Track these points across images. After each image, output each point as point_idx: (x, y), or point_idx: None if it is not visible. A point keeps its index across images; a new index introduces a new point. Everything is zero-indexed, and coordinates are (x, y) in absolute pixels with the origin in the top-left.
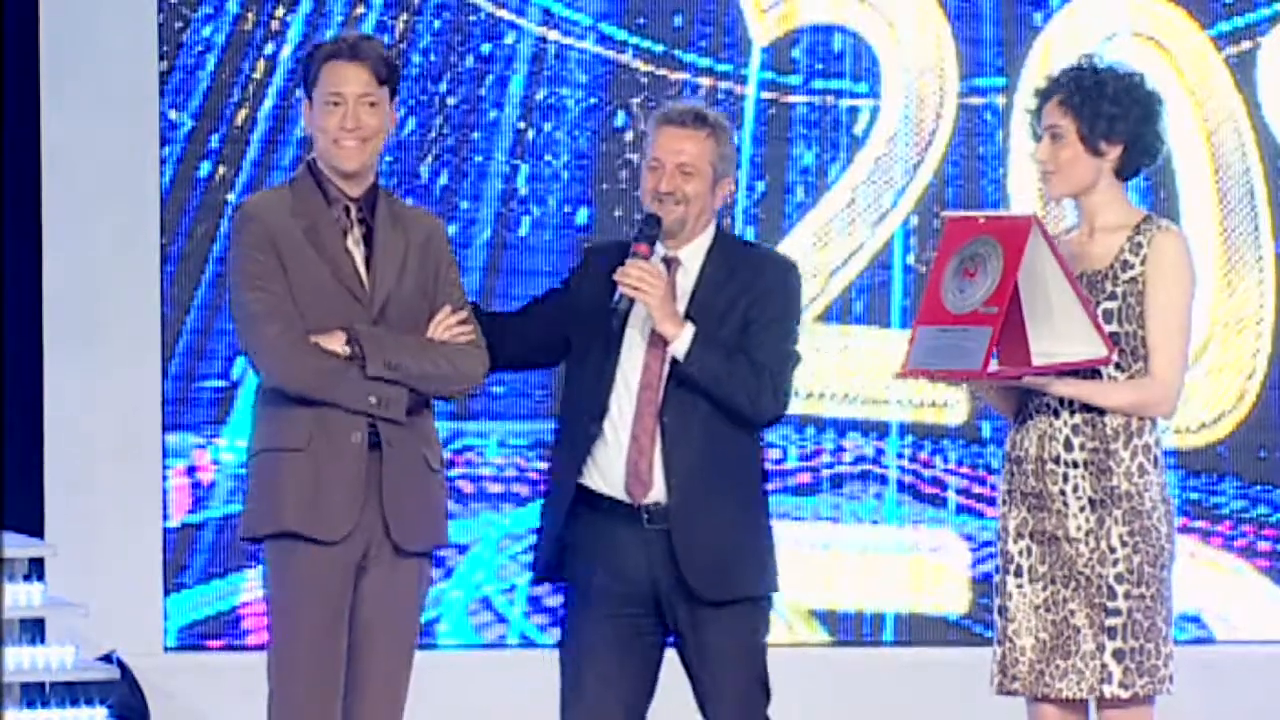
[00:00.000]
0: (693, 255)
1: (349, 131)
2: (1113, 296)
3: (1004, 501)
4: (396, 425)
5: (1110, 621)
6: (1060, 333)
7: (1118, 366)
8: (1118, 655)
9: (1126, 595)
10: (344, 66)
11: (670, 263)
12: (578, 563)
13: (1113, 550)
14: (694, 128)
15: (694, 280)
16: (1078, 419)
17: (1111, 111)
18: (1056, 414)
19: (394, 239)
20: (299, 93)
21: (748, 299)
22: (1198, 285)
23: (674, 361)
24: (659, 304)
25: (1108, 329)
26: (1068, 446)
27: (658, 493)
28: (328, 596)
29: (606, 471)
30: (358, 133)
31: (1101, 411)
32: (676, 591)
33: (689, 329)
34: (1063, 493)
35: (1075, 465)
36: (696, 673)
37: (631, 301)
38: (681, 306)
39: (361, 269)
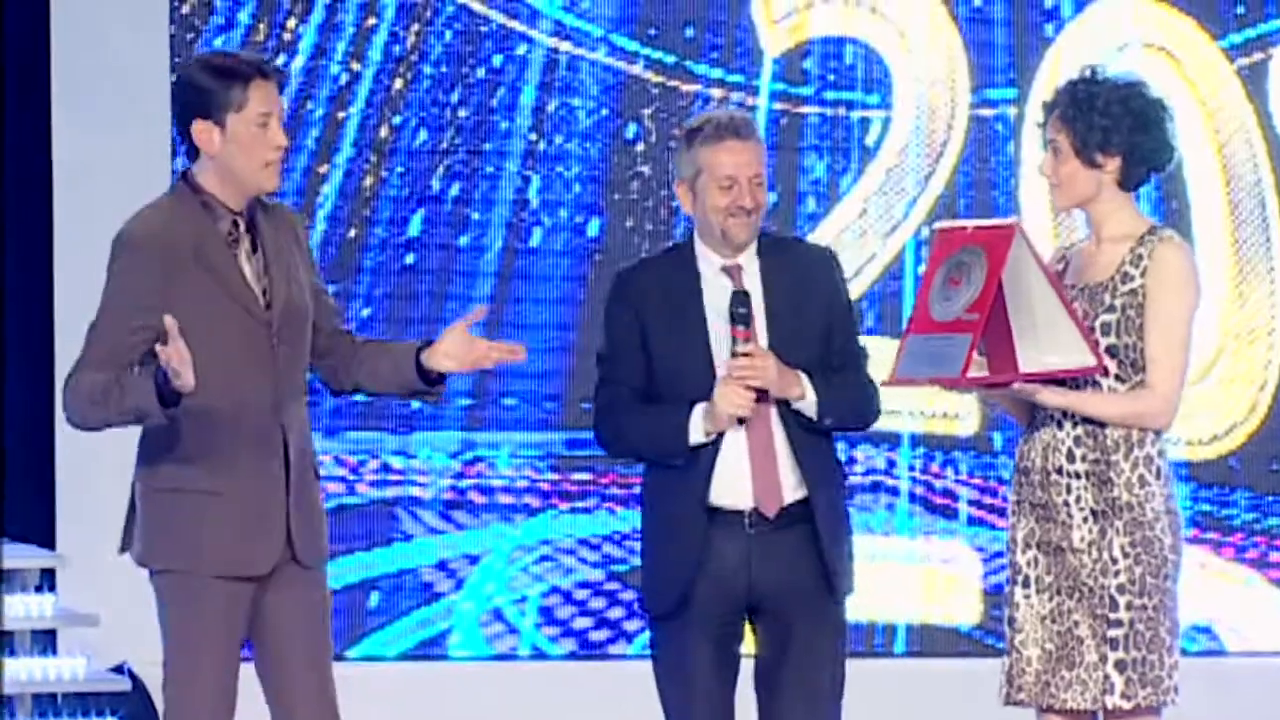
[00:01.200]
0: (749, 258)
1: (279, 149)
2: (1111, 309)
3: (1013, 512)
4: (299, 443)
5: (1112, 633)
6: (1045, 341)
7: (1118, 379)
8: (1120, 666)
9: (1128, 606)
10: (269, 85)
11: (731, 271)
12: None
13: (1114, 561)
14: (754, 139)
15: (758, 282)
16: (1080, 430)
17: (1103, 124)
18: (1060, 425)
19: (278, 245)
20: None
21: (818, 298)
22: (1202, 296)
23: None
24: (776, 380)
25: (1106, 341)
26: (1070, 458)
27: (790, 495)
28: (233, 627)
29: (729, 486)
30: (283, 150)
31: (1103, 423)
32: (783, 592)
33: (807, 383)
34: (1066, 504)
35: (1078, 476)
36: (786, 673)
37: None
38: (759, 311)
39: (254, 283)
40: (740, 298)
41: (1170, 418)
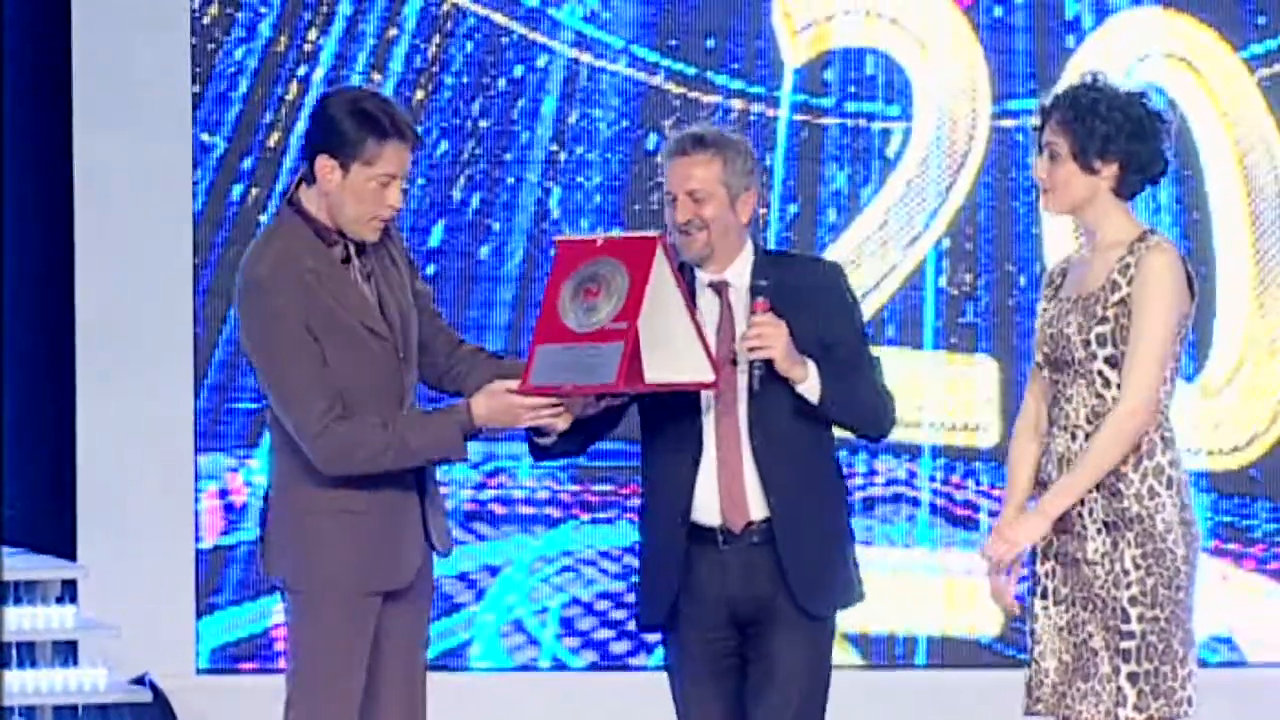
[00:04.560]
0: (739, 273)
1: (393, 212)
2: (1104, 320)
3: None
4: None
5: (1124, 644)
6: (671, 355)
7: (1120, 387)
8: (1132, 678)
9: (1140, 618)
10: (404, 149)
11: (719, 287)
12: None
13: (1126, 573)
14: (695, 152)
15: (746, 300)
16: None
17: (1104, 130)
18: (1074, 436)
19: (382, 261)
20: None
21: (811, 313)
22: (1195, 300)
23: (753, 379)
24: (784, 354)
25: (1103, 352)
26: None
27: (756, 512)
28: (366, 638)
29: (704, 502)
30: (394, 213)
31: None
32: (760, 609)
33: (813, 368)
34: (1080, 515)
35: (1090, 488)
36: (758, 690)
37: (764, 366)
38: (740, 328)
39: (376, 308)
40: (761, 271)
41: (1149, 417)
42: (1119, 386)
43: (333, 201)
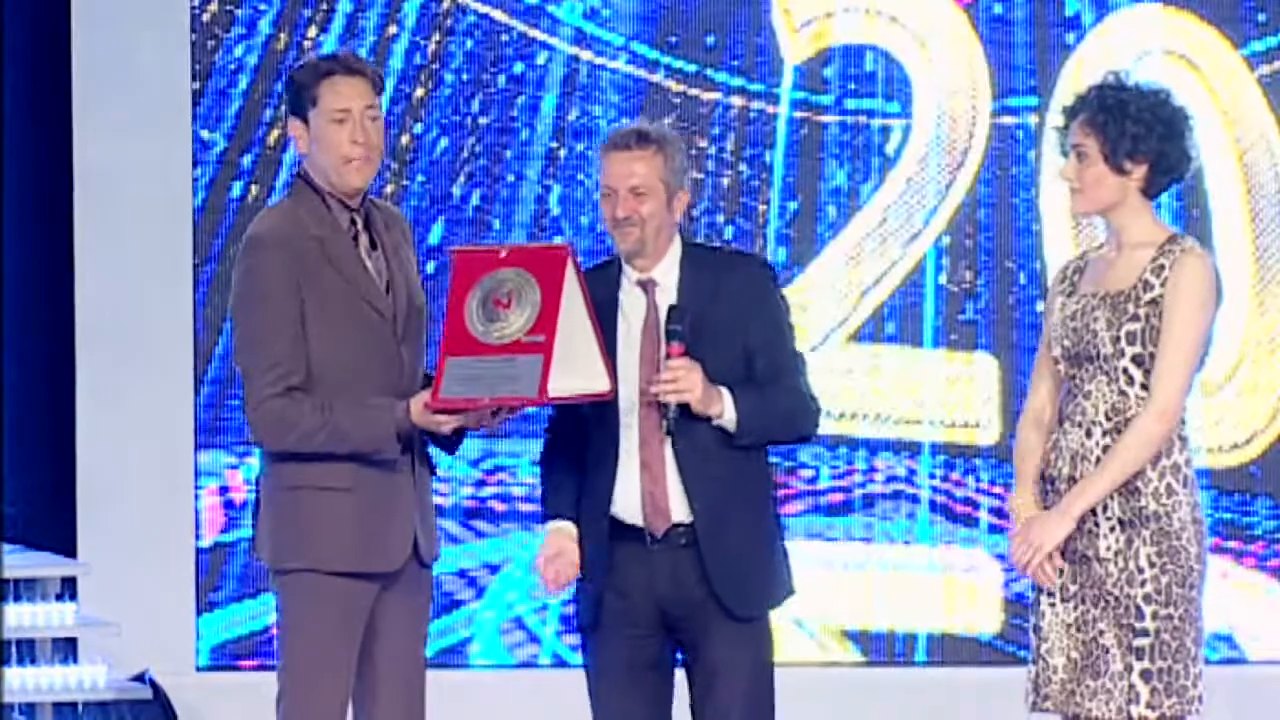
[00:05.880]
0: (666, 272)
1: (359, 145)
2: (1135, 318)
3: None
4: (420, 439)
5: (1138, 642)
6: (574, 363)
7: (1144, 387)
8: (1145, 675)
9: (1154, 616)
10: (345, 81)
11: (646, 286)
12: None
13: (1141, 571)
14: (639, 148)
15: (673, 296)
16: (1108, 439)
17: (1135, 130)
18: (1089, 434)
19: (394, 242)
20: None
21: (737, 313)
22: (1222, 304)
23: (668, 421)
24: (699, 398)
25: (1132, 350)
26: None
27: (679, 515)
28: (356, 632)
29: (623, 501)
30: (367, 147)
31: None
32: (692, 611)
33: (729, 401)
34: (1093, 512)
35: (1112, 489)
36: (703, 694)
37: (679, 408)
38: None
39: (377, 280)
40: (675, 314)
41: (1176, 422)
42: (1142, 386)
43: (313, 162)
